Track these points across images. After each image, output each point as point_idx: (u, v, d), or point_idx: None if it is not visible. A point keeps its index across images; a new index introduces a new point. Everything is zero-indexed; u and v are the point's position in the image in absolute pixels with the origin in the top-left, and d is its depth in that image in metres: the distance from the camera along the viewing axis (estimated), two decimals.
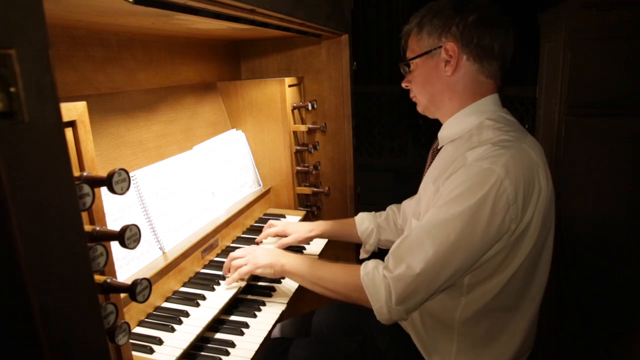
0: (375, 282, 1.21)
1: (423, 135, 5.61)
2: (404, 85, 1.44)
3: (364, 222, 1.77)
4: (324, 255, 1.93)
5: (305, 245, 1.95)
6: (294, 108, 2.23)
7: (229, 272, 1.53)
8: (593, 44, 1.94)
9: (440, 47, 1.27)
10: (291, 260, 1.45)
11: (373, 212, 1.81)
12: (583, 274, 2.05)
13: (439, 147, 1.41)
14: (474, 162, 1.13)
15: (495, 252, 1.15)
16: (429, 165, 1.47)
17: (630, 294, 1.96)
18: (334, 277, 1.35)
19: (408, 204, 1.71)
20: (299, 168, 2.28)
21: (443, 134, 1.36)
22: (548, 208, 1.21)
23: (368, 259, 1.31)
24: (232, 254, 1.55)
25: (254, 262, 1.48)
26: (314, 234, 1.80)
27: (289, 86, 2.18)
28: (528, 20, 3.16)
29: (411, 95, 1.43)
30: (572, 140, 2.06)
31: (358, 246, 1.88)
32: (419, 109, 1.43)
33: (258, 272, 1.49)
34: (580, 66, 1.99)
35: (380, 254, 1.61)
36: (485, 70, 1.28)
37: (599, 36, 1.92)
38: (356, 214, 1.87)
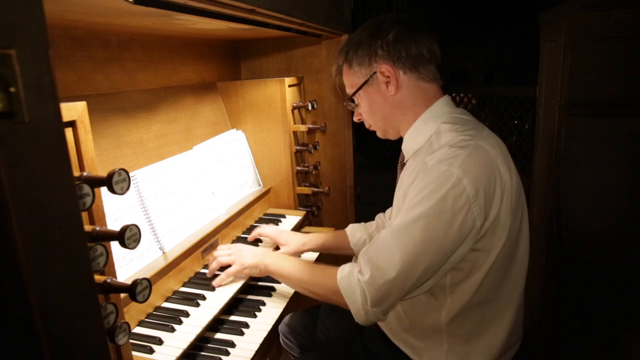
0: (352, 286, 1.24)
1: None
2: (356, 119, 1.48)
3: (356, 234, 1.78)
4: (322, 258, 1.92)
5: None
6: (294, 108, 2.23)
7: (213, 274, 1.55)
8: (593, 44, 1.94)
9: (375, 72, 1.31)
10: (275, 260, 1.48)
11: (363, 223, 1.82)
12: (583, 274, 2.05)
13: (405, 161, 1.42)
14: (432, 166, 1.16)
15: (468, 249, 1.17)
16: (399, 178, 1.48)
17: (630, 294, 1.96)
18: (314, 279, 1.37)
19: (388, 214, 1.72)
20: (299, 168, 2.28)
21: (406, 147, 1.39)
22: (516, 199, 1.23)
23: None
24: (216, 253, 1.57)
25: (240, 262, 1.50)
26: (306, 248, 1.79)
27: (289, 86, 2.19)
28: (528, 20, 3.17)
29: (367, 125, 1.46)
30: (572, 140, 2.05)
31: None
32: (379, 134, 1.46)
33: (245, 272, 1.51)
34: (580, 66, 1.98)
35: None
36: (424, 76, 1.31)
37: (599, 36, 1.92)
38: (356, 214, 1.86)
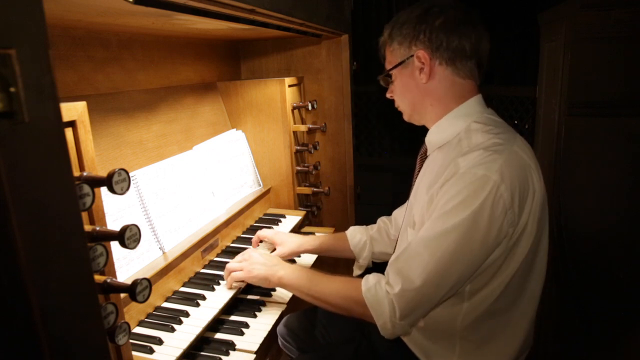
0: (378, 298, 1.20)
1: (423, 134, 5.60)
2: (388, 95, 1.44)
3: (356, 236, 1.74)
4: (319, 263, 1.91)
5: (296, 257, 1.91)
6: (294, 108, 2.23)
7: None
8: (593, 44, 1.94)
9: (412, 55, 1.28)
10: (289, 272, 1.41)
11: (364, 226, 1.79)
12: (583, 274, 2.05)
13: (427, 154, 1.40)
14: (467, 170, 1.11)
15: (496, 256, 1.15)
16: (418, 171, 1.46)
17: (630, 294, 1.96)
18: (334, 291, 1.32)
19: (399, 213, 1.70)
20: (299, 168, 2.28)
21: (430, 140, 1.36)
22: (542, 207, 1.21)
23: (363, 274, 1.30)
24: (230, 261, 1.54)
25: (248, 270, 1.45)
26: (303, 249, 1.75)
27: (289, 86, 2.18)
28: (528, 20, 3.17)
29: (395, 105, 1.44)
30: (572, 140, 2.05)
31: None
32: (405, 117, 1.44)
33: (252, 281, 1.47)
34: (580, 66, 1.98)
35: (374, 269, 1.59)
36: (460, 72, 1.27)
37: (599, 36, 1.92)
38: (356, 214, 1.86)
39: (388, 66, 1.38)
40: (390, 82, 1.41)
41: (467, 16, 1.26)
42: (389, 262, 1.25)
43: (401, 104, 1.41)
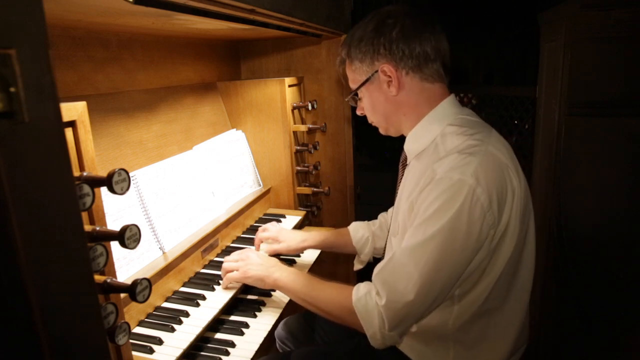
0: (368, 309, 1.20)
1: None
2: (359, 113, 1.43)
3: (359, 231, 1.74)
4: (321, 261, 1.91)
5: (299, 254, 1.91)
6: (294, 108, 2.23)
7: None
8: (593, 44, 1.94)
9: (377, 71, 1.27)
10: (285, 275, 1.41)
11: (366, 222, 1.79)
12: (583, 274, 2.05)
13: (407, 162, 1.40)
14: (444, 175, 1.11)
15: (480, 259, 1.15)
16: (400, 179, 1.46)
17: (630, 294, 1.96)
18: (328, 298, 1.31)
19: (391, 213, 1.70)
20: (299, 168, 2.28)
21: (408, 148, 1.35)
22: (524, 205, 1.20)
23: (362, 275, 1.30)
24: (226, 258, 1.53)
25: (244, 271, 1.45)
26: (306, 244, 1.75)
27: (289, 86, 2.19)
28: (528, 20, 3.17)
29: (369, 121, 1.43)
30: (572, 140, 2.05)
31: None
32: (381, 131, 1.42)
33: (248, 282, 1.46)
34: (580, 66, 1.98)
35: (375, 263, 1.59)
36: (428, 76, 1.26)
37: (599, 36, 1.92)
38: (356, 214, 1.86)
39: (353, 85, 1.37)
40: (358, 100, 1.40)
41: (422, 20, 1.25)
42: (374, 272, 1.24)
43: (374, 119, 1.40)
